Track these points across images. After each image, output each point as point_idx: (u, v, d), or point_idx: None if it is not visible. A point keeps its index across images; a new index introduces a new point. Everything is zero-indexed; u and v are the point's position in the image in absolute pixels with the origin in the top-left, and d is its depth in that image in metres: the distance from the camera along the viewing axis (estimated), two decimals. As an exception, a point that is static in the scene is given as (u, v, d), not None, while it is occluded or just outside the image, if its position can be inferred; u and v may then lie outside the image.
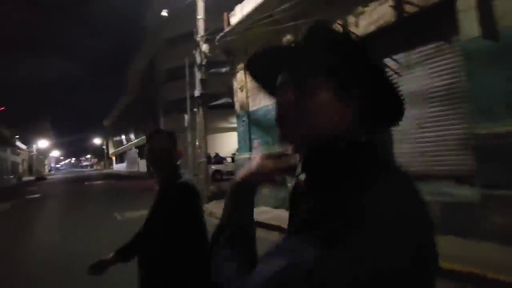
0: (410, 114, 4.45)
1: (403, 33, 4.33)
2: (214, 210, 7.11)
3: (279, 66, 0.53)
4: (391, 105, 0.50)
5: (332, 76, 0.48)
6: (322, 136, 0.48)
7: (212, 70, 8.62)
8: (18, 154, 37.65)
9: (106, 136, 58.86)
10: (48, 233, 6.15)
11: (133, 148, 41.44)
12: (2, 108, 35.02)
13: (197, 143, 8.66)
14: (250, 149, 7.42)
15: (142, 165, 37.29)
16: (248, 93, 7.43)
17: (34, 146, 44.92)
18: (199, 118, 8.18)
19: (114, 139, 50.77)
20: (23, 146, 39.93)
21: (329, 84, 0.48)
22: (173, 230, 1.18)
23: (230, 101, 8.98)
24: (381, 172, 0.44)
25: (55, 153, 78.54)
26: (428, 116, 4.20)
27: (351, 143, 0.47)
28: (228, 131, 23.41)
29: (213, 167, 14.53)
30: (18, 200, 12.68)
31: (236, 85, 7.88)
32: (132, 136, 43.03)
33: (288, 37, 6.09)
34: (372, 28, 4.69)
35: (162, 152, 1.33)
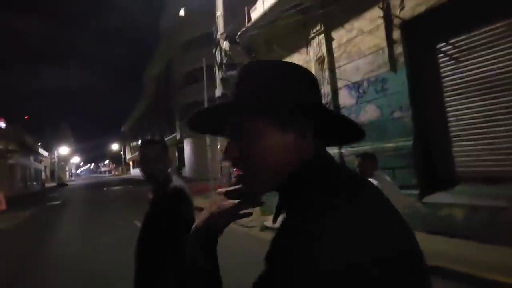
0: (473, 106, 3.82)
1: (461, 12, 3.71)
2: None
3: (220, 122, 0.52)
4: (344, 127, 0.50)
5: (272, 115, 0.46)
6: (284, 172, 0.47)
7: (230, 73, 8.20)
8: (40, 161, 38.77)
9: (123, 142, 60.00)
10: (68, 245, 5.84)
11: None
12: (26, 118, 36.43)
13: (218, 146, 8.22)
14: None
15: (158, 170, 37.31)
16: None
17: (56, 153, 46.24)
18: (221, 120, 7.75)
19: (131, 144, 51.61)
20: (45, 153, 41.12)
21: (272, 121, 0.46)
22: (165, 235, 1.25)
23: None
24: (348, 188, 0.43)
25: (75, 159, 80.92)
26: (498, 108, 3.56)
27: (312, 167, 0.46)
28: None
29: None
30: (39, 208, 12.70)
31: (258, 83, 7.46)
32: (148, 141, 43.25)
33: (318, 28, 5.58)
34: (421, 9, 4.08)
35: (154, 160, 1.41)
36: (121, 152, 62.00)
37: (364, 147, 4.73)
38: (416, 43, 4.27)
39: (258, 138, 0.46)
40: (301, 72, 0.49)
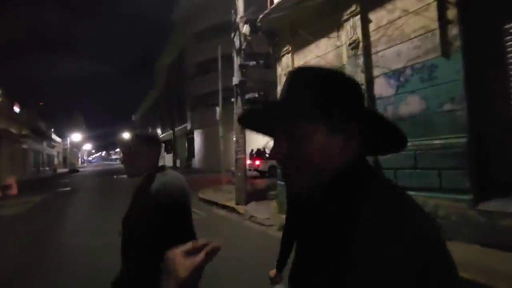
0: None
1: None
2: (254, 214, 6.23)
3: (270, 119, 0.54)
4: (390, 135, 0.53)
5: (324, 117, 0.49)
6: (328, 171, 0.51)
7: (250, 62, 7.66)
8: (53, 147, 39.32)
9: (134, 131, 60.35)
10: (76, 235, 5.54)
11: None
12: (41, 103, 36.90)
13: (234, 138, 7.77)
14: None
15: (168, 160, 37.67)
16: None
17: (68, 139, 46.84)
18: (237, 109, 7.25)
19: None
20: (58, 139, 41.69)
21: (323, 125, 0.50)
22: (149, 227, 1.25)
23: (262, 94, 7.98)
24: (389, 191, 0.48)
25: (87, 146, 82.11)
26: None
27: (357, 170, 0.51)
28: None
29: (269, 162, 13.44)
30: (50, 194, 12.59)
31: (280, 70, 6.88)
32: (158, 130, 43.62)
33: (352, 8, 4.98)
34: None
35: (129, 156, 1.42)
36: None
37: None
38: (477, 23, 3.65)
39: (309, 139, 0.50)
40: (352, 82, 0.53)
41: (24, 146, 22.77)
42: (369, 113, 0.51)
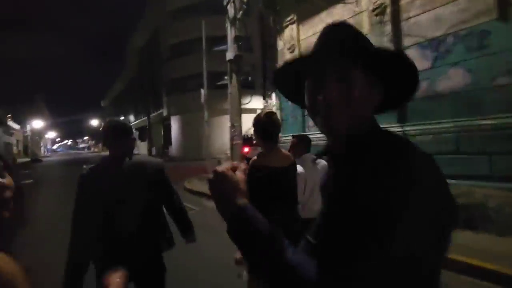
0: None
1: None
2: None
3: (308, 70, 0.57)
4: (408, 88, 0.57)
5: (363, 67, 0.53)
6: (358, 121, 0.54)
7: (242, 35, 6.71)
8: (11, 135, 35.69)
9: (103, 118, 56.70)
10: (42, 240, 4.48)
11: (133, 129, 39.67)
12: None
13: (228, 123, 6.90)
14: (304, 128, 5.70)
15: (142, 148, 35.69)
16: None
17: (28, 127, 42.80)
18: (233, 89, 6.33)
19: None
20: (16, 126, 37.89)
21: (361, 74, 0.53)
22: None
23: (249, 79, 7.17)
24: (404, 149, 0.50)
25: (51, 134, 76.24)
26: None
27: (376, 125, 0.56)
28: (244, 113, 21.63)
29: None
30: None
31: (282, 45, 6.05)
32: (131, 117, 41.13)
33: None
34: None
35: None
36: (101, 128, 58.72)
37: (445, 125, 3.59)
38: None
39: (346, 86, 0.53)
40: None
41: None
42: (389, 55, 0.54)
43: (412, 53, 4.01)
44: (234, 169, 0.57)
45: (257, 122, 1.79)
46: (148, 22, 28.86)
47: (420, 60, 3.91)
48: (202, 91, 9.34)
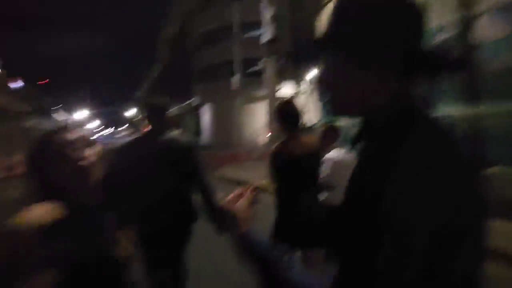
0: None
1: None
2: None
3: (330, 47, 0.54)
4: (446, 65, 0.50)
5: (385, 48, 0.48)
6: (371, 103, 0.51)
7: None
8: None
9: (139, 107, 59.41)
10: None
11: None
12: (46, 81, 35.78)
13: (260, 110, 6.58)
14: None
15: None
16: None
17: (75, 116, 46.21)
18: (270, 73, 5.94)
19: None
20: (65, 117, 41.09)
21: (382, 55, 0.49)
22: None
23: (283, 63, 6.71)
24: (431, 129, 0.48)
25: (95, 123, 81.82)
26: None
27: (404, 104, 0.50)
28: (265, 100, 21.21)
29: None
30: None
31: (319, 27, 5.52)
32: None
33: None
34: None
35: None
36: (138, 118, 61.66)
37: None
38: None
39: (356, 73, 0.50)
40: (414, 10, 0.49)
41: (27, 124, 22.00)
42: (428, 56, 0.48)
43: (486, 20, 3.33)
44: (239, 197, 0.65)
45: (277, 110, 1.81)
46: (179, 11, 29.05)
47: (496, 28, 3.22)
48: (234, 78, 9.08)
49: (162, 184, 1.61)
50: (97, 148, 0.83)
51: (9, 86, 18.29)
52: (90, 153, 0.80)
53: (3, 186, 9.19)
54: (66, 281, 0.76)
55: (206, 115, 25.91)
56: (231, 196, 0.66)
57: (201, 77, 24.92)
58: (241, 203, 0.63)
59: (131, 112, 65.44)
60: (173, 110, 35.85)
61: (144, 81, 52.96)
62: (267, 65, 6.03)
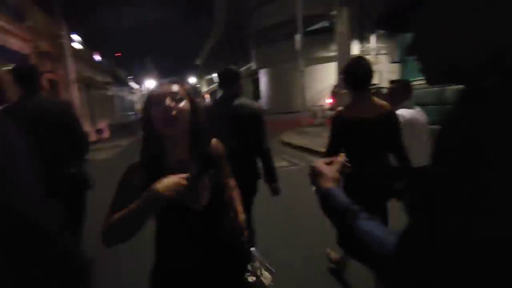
0: None
1: None
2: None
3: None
4: None
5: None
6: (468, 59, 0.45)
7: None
8: (133, 93, 42.99)
9: (199, 75, 61.74)
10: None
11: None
12: (119, 54, 39.67)
13: (324, 71, 6.15)
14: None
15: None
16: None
17: (143, 86, 50.58)
18: (341, 27, 5.42)
19: (206, 77, 52.60)
20: (136, 86, 45.32)
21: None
22: None
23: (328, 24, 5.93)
24: None
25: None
26: None
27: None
28: (327, 62, 19.83)
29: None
30: (136, 137, 13.31)
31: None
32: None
33: None
34: None
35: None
36: (198, 85, 64.63)
37: None
38: None
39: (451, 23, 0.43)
40: None
41: (109, 92, 24.89)
42: None
43: None
44: (329, 163, 0.76)
45: (346, 69, 1.71)
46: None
47: None
48: (297, 37, 8.57)
49: (234, 144, 1.67)
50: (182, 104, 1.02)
51: (94, 60, 20.64)
52: (176, 105, 0.99)
53: (93, 148, 10.74)
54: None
55: (263, 80, 25.70)
56: (324, 160, 0.77)
57: (258, 40, 24.34)
58: (332, 167, 0.74)
59: (191, 80, 68.70)
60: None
61: (203, 49, 54.20)
62: (339, 18, 5.47)
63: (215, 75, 46.50)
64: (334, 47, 18.60)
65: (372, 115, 1.66)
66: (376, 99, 1.73)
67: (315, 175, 0.72)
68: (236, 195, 1.22)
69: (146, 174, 1.00)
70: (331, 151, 1.74)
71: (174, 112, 0.97)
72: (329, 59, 19.24)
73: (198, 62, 61.34)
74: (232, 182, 1.24)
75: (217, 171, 1.09)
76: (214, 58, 43.66)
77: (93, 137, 12.21)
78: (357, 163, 1.60)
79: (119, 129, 17.68)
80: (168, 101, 0.98)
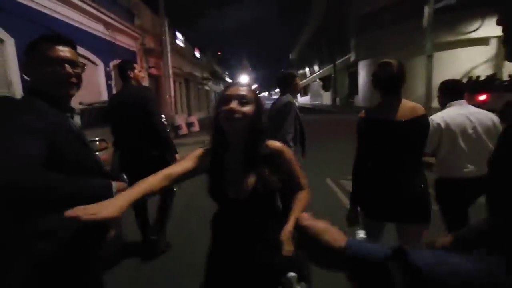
0: None
1: None
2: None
3: None
4: None
5: None
6: None
7: None
8: (228, 88, 45.75)
9: (292, 69, 61.25)
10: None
11: (317, 80, 39.92)
12: (219, 52, 42.95)
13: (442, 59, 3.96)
14: None
15: (326, 98, 35.36)
16: None
17: (239, 81, 53.26)
18: None
19: (298, 72, 51.63)
20: (230, 81, 48.14)
21: None
22: None
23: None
24: None
25: (253, 87, 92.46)
26: None
27: None
28: (458, 47, 15.59)
29: (506, 96, 8.19)
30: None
31: None
32: (316, 67, 41.28)
33: None
34: None
35: None
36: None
37: None
38: None
39: None
40: None
41: (206, 87, 26.56)
42: None
43: None
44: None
45: (375, 72, 1.68)
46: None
47: None
48: (426, 11, 6.28)
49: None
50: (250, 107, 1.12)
51: (194, 56, 22.20)
52: (240, 108, 1.09)
53: (176, 144, 10.92)
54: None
55: (362, 73, 22.65)
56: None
57: (359, 28, 21.48)
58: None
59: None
60: (325, 70, 33.96)
61: (297, 43, 53.22)
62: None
63: (307, 69, 44.96)
64: (466, 26, 14.88)
65: (399, 118, 1.58)
66: (407, 101, 1.63)
67: (311, 236, 0.56)
68: (298, 206, 1.15)
69: (209, 160, 1.16)
70: (362, 158, 1.71)
71: (236, 115, 1.06)
72: (459, 44, 15.18)
73: (291, 56, 60.80)
74: (304, 194, 1.20)
75: (269, 169, 1.12)
76: (308, 51, 42.10)
77: (185, 130, 12.64)
78: (387, 170, 1.62)
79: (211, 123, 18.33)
80: (233, 104, 1.08)
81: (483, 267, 0.40)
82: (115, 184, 1.08)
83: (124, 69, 2.62)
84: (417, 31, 9.05)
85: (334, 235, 0.53)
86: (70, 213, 0.71)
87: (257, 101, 1.13)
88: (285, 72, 3.00)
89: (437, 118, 2.02)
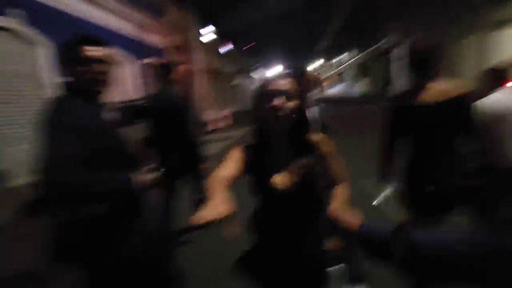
0: None
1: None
2: None
3: None
4: None
5: None
6: None
7: None
8: (255, 82, 45.58)
9: (324, 59, 59.41)
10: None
11: (350, 67, 38.23)
12: (252, 44, 42.90)
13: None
14: None
15: (360, 86, 33.82)
16: None
17: (271, 72, 52.82)
18: None
19: (332, 61, 49.79)
20: (256, 76, 47.95)
21: None
22: None
23: None
24: None
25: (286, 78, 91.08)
26: None
27: None
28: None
29: None
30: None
31: None
32: (348, 54, 39.52)
33: None
34: None
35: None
36: (319, 71, 62.35)
37: None
38: None
39: None
40: None
41: (235, 81, 26.74)
42: None
43: None
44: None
45: (409, 48, 1.56)
46: None
47: None
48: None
49: None
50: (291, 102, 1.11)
51: (223, 50, 22.37)
52: (284, 103, 1.09)
53: (205, 140, 11.06)
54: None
55: (395, 62, 21.14)
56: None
57: (397, 9, 19.94)
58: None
59: (314, 65, 67.06)
60: (359, 58, 32.39)
61: (327, 32, 51.33)
62: None
63: (338, 58, 43.18)
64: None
65: (432, 100, 1.43)
66: (447, 84, 1.46)
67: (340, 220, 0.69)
68: (339, 194, 1.14)
69: (252, 158, 1.17)
70: (388, 147, 1.64)
71: (281, 112, 1.07)
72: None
73: (322, 45, 58.82)
74: (342, 188, 1.18)
75: (313, 160, 1.13)
76: (340, 40, 40.30)
77: (214, 125, 12.84)
78: (419, 161, 1.49)
79: (243, 117, 18.51)
80: (277, 101, 1.07)
81: (464, 237, 0.47)
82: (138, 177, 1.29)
83: (165, 70, 2.56)
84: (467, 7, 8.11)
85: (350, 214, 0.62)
86: (196, 220, 0.81)
87: (300, 93, 1.14)
88: (296, 65, 3.35)
89: (493, 102, 1.71)
